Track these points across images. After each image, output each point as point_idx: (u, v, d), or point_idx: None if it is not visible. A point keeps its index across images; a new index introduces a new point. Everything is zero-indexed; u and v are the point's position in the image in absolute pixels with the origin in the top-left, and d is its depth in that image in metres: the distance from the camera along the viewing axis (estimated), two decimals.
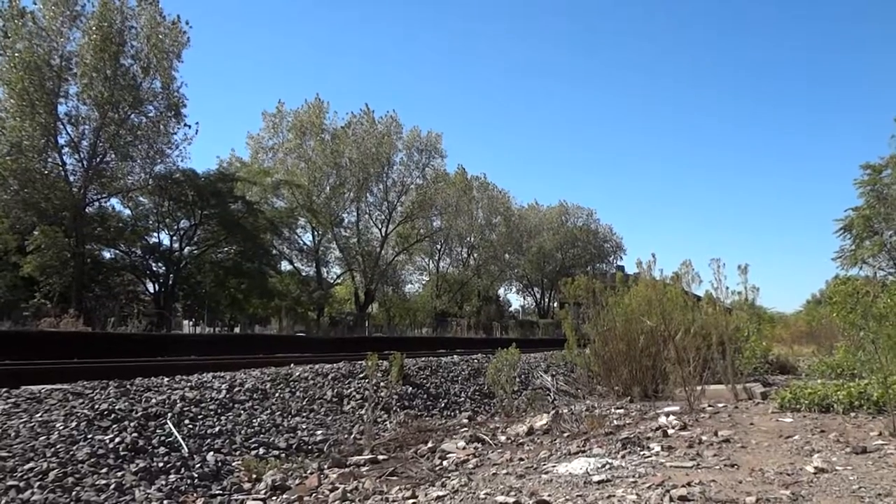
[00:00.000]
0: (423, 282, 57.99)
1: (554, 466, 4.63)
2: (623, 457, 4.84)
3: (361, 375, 8.59)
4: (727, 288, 9.61)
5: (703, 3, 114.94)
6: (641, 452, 4.96)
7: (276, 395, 7.32)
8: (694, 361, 8.17)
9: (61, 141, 28.10)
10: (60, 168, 28.32)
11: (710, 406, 7.84)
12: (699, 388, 8.19)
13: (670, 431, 5.83)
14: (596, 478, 4.14)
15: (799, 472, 4.06)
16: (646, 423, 6.62)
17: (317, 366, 8.87)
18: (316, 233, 44.36)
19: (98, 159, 28.89)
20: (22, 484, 4.15)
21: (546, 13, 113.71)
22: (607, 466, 4.48)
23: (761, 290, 10.78)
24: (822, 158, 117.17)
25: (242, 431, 6.04)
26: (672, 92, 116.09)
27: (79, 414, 5.33)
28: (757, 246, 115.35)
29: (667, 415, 6.90)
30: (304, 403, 7.33)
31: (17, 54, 25.51)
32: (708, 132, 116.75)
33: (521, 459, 5.17)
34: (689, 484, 3.81)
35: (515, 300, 74.82)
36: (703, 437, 5.42)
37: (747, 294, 10.52)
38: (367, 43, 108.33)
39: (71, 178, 28.50)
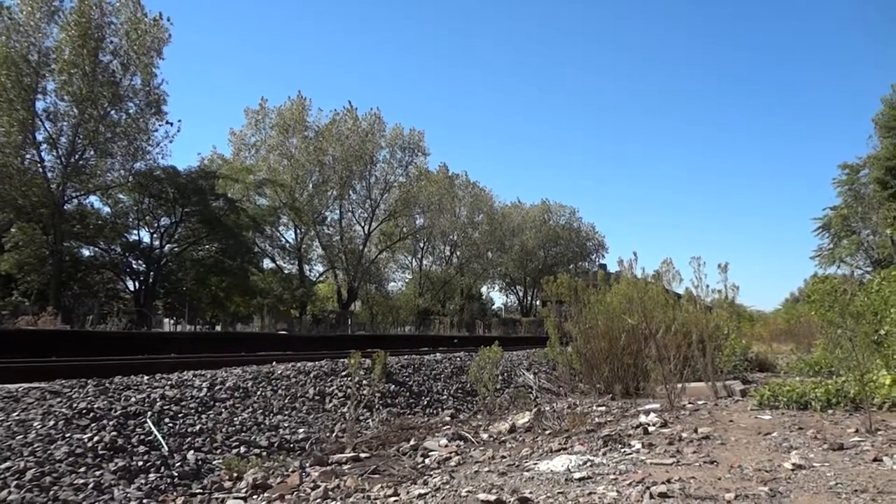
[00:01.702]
0: (406, 280, 58.05)
1: (536, 464, 4.65)
2: (604, 454, 4.86)
3: (344, 373, 8.56)
4: (707, 286, 9.66)
5: (676, 6, 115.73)
6: (622, 450, 4.99)
7: (258, 393, 7.27)
8: (675, 359, 8.23)
9: (39, 137, 27.86)
10: (38, 165, 28.02)
11: (690, 403, 7.90)
12: (680, 385, 8.26)
13: (651, 429, 5.87)
14: (577, 475, 4.16)
15: (777, 469, 4.11)
16: (627, 420, 6.66)
17: (299, 364, 8.83)
18: (298, 230, 44.23)
19: (77, 156, 28.62)
20: None
21: (527, 13, 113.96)
22: (588, 464, 4.50)
23: (741, 289, 10.87)
24: (801, 158, 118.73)
25: (223, 430, 6.00)
26: (651, 93, 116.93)
27: (57, 413, 5.26)
28: (737, 245, 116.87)
29: (647, 412, 6.94)
30: (286, 402, 7.30)
31: None
32: (688, 132, 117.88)
33: (504, 457, 5.18)
34: (669, 481, 3.84)
35: (498, 298, 75.19)
36: (684, 435, 5.46)
37: (727, 292, 10.60)
38: (350, 43, 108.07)
39: (49, 175, 28.23)
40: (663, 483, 3.78)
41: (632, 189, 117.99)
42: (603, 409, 7.92)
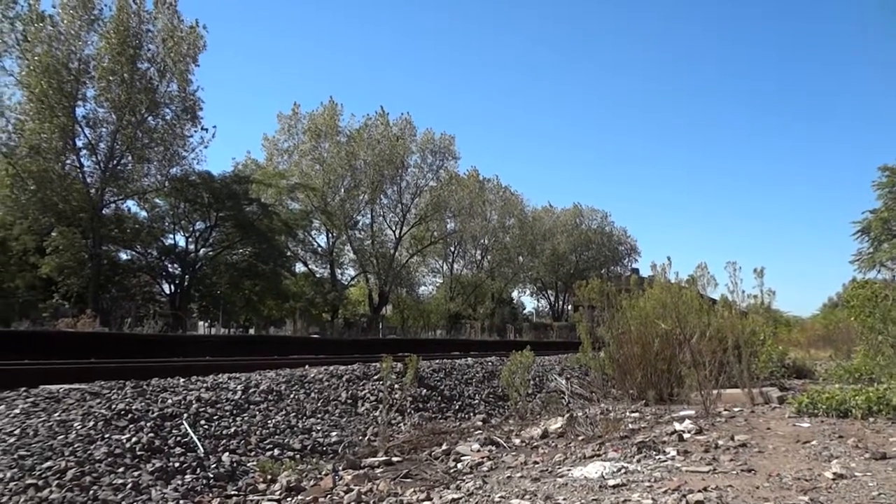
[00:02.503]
0: (437, 284, 58.06)
1: (569, 470, 4.62)
2: (638, 461, 4.81)
3: (376, 377, 8.60)
4: (743, 291, 9.52)
5: (717, 8, 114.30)
6: (657, 457, 4.93)
7: (291, 396, 7.34)
8: (710, 365, 8.11)
9: (79, 143, 28.50)
10: (78, 170, 28.67)
11: (726, 410, 7.77)
12: (715, 392, 8.12)
13: (686, 436, 5.79)
14: (611, 482, 4.12)
15: (817, 478, 4.02)
16: (661, 426, 6.57)
17: (331, 367, 8.89)
18: (330, 235, 44.55)
19: (115, 161, 29.22)
20: (41, 482, 4.19)
21: (561, 15, 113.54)
22: (623, 470, 4.46)
23: (777, 294, 10.69)
24: (840, 161, 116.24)
25: (257, 432, 6.07)
26: (688, 94, 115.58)
27: (96, 413, 5.37)
28: (773, 249, 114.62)
29: (682, 419, 6.85)
30: (318, 405, 7.35)
31: (36, 58, 25.88)
32: (724, 134, 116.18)
33: (536, 463, 5.15)
34: (705, 489, 3.78)
35: (529, 303, 74.75)
36: (720, 442, 5.38)
37: (763, 297, 10.43)
38: (381, 46, 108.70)
39: (88, 180, 28.87)
40: (700, 491, 3.72)
41: (665, 192, 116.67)
42: (636, 415, 7.84)
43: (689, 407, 8.22)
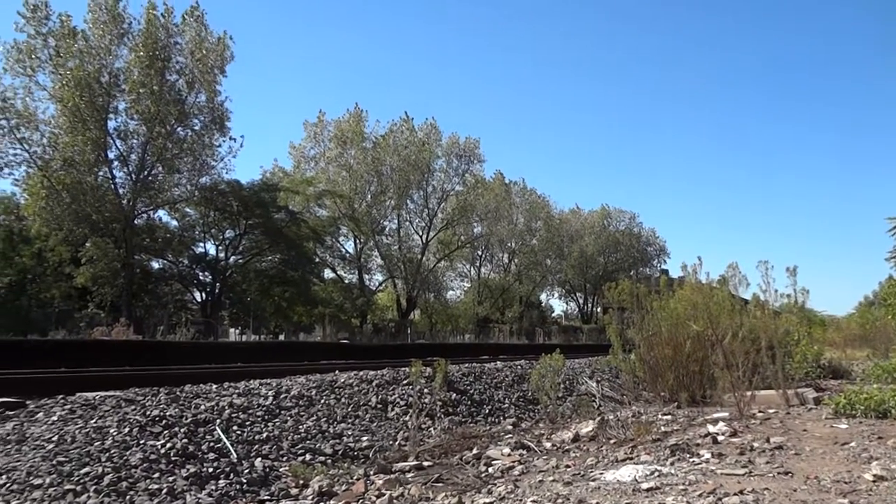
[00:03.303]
0: (465, 288, 58.02)
1: (601, 473, 4.57)
2: (672, 464, 4.75)
3: (405, 382, 8.61)
4: (776, 291, 9.38)
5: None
6: (691, 459, 4.86)
7: (322, 401, 7.38)
8: (743, 366, 7.99)
9: (111, 155, 29.04)
10: (110, 181, 29.19)
11: (760, 412, 7.64)
12: (749, 393, 8.00)
13: (720, 438, 5.70)
14: (645, 485, 4.07)
15: (857, 481, 3.93)
16: (694, 429, 6.49)
17: (361, 372, 8.93)
18: (358, 241, 44.79)
19: (146, 172, 29.70)
20: (79, 488, 4.26)
21: (586, 11, 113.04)
22: (656, 474, 4.40)
23: (811, 293, 10.51)
24: (876, 155, 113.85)
25: (289, 437, 6.11)
26: (717, 91, 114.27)
27: (131, 420, 5.45)
28: (806, 247, 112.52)
29: (716, 421, 6.75)
30: (349, 410, 7.39)
31: (68, 72, 26.42)
32: (754, 132, 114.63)
33: (568, 466, 5.11)
34: (741, 492, 3.72)
35: (558, 305, 74.42)
36: (755, 444, 5.29)
37: (797, 297, 10.27)
38: (405, 51, 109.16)
39: (120, 191, 29.38)
40: (735, 494, 3.66)
41: (694, 192, 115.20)
42: (668, 417, 7.74)
43: (722, 409, 8.10)
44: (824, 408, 7.41)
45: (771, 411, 7.73)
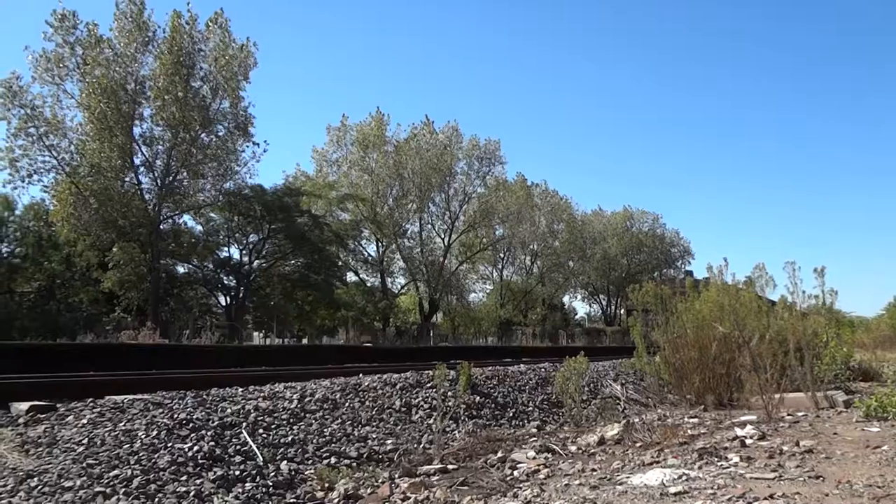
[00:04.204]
0: (487, 291, 57.90)
1: (628, 477, 4.54)
2: (700, 468, 4.69)
3: (429, 385, 8.61)
4: (803, 292, 9.25)
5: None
6: (719, 463, 4.81)
7: (346, 404, 7.41)
8: (771, 368, 7.89)
9: (137, 161, 29.41)
10: (136, 187, 29.57)
11: (789, 415, 7.54)
12: (777, 396, 7.89)
13: (749, 441, 5.63)
14: (672, 489, 4.02)
15: (890, 485, 3.86)
16: (721, 432, 6.41)
17: (385, 375, 8.93)
18: (380, 244, 44.92)
19: (171, 178, 30.04)
20: (108, 490, 4.32)
21: (606, 14, 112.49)
22: (684, 477, 4.35)
23: (839, 294, 10.36)
24: None
25: (314, 440, 6.14)
26: (742, 87, 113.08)
27: (159, 423, 5.51)
28: (834, 247, 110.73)
29: (743, 424, 6.67)
30: (373, 413, 7.40)
31: (95, 80, 26.81)
32: (781, 129, 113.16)
33: (594, 470, 5.08)
34: (771, 496, 3.67)
35: (581, 308, 74.07)
36: (784, 448, 5.21)
37: (825, 298, 10.12)
38: (423, 51, 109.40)
39: (146, 197, 29.76)
40: (766, 499, 3.61)
41: (719, 192, 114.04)
42: (695, 420, 7.66)
43: (749, 412, 8.00)
44: (855, 411, 7.29)
45: (800, 414, 7.62)
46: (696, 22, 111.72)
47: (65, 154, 27.76)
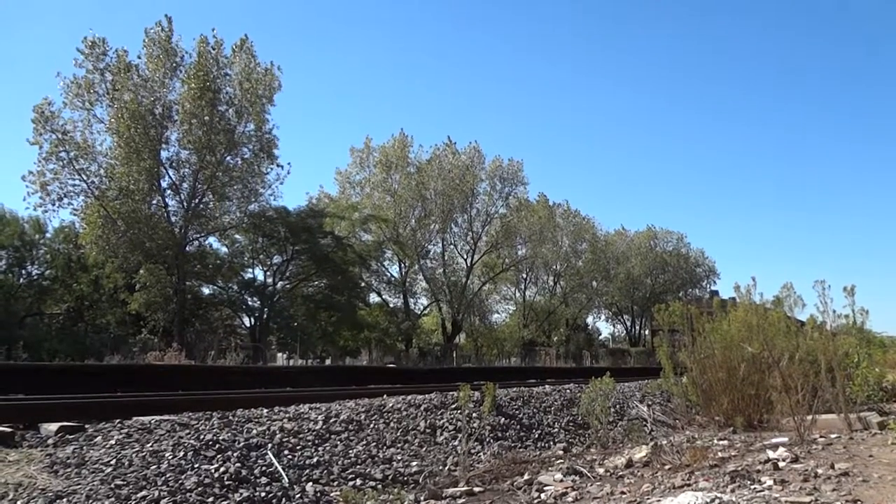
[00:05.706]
0: (510, 311, 57.68)
1: (658, 500, 4.46)
2: (732, 491, 4.60)
3: (453, 406, 8.56)
4: (833, 311, 9.08)
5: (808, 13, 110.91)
6: (752, 486, 4.71)
7: (371, 426, 7.38)
8: (802, 389, 7.73)
9: (164, 184, 29.93)
10: (163, 210, 30.03)
11: (821, 437, 7.38)
12: (809, 417, 7.73)
13: (781, 464, 5.51)
14: None
15: None
16: (752, 454, 6.28)
17: (409, 397, 8.90)
18: (403, 265, 45.06)
19: (197, 200, 30.47)
20: None
21: (628, 32, 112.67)
22: (716, 501, 4.26)
23: (871, 313, 10.17)
24: None
25: (339, 462, 6.12)
26: (764, 107, 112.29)
27: (185, 444, 5.52)
28: (863, 266, 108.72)
29: (775, 447, 6.53)
30: (398, 434, 7.37)
31: (124, 105, 27.39)
32: (805, 148, 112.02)
33: (623, 493, 5.00)
34: None
35: (605, 328, 73.41)
36: (819, 471, 5.09)
37: (855, 317, 9.94)
38: (446, 72, 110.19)
39: (173, 219, 30.20)
40: None
41: (744, 210, 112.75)
42: (725, 442, 7.52)
43: (780, 434, 7.85)
44: (890, 432, 7.11)
45: (833, 436, 7.45)
46: (721, 43, 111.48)
47: (94, 178, 28.33)
